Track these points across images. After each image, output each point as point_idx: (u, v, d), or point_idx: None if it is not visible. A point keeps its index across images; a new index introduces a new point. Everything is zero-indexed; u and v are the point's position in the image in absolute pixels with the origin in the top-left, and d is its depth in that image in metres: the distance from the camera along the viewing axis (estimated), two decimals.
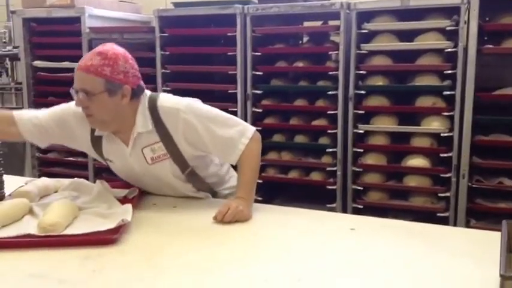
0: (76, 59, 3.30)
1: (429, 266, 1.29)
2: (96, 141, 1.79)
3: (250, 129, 1.76)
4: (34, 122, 1.80)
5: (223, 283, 1.23)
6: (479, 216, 2.54)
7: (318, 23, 3.11)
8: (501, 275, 0.92)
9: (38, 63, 3.55)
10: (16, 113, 1.81)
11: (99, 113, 1.64)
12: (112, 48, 1.66)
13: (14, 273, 1.27)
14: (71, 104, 1.74)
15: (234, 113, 2.65)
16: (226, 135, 1.72)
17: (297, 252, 1.41)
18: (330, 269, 1.30)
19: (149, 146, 1.73)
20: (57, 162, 3.62)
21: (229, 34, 2.96)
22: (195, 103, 1.77)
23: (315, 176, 2.87)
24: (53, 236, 1.45)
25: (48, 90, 3.59)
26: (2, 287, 1.21)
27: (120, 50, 1.68)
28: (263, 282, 1.23)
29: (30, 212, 1.64)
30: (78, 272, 1.28)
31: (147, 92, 1.76)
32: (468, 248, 1.40)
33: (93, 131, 1.77)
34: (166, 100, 1.74)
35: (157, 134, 1.71)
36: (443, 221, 2.51)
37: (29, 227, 1.51)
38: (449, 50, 2.55)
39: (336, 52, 2.80)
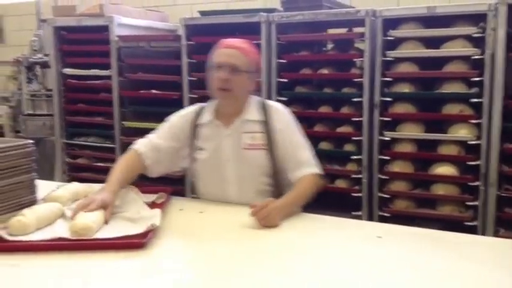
0: (104, 66, 3.44)
1: (457, 276, 1.29)
2: (195, 131, 1.96)
3: (319, 169, 1.92)
4: (159, 159, 1.98)
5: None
6: (508, 225, 2.50)
7: (343, 30, 3.11)
8: None
9: (68, 70, 3.64)
10: (147, 161, 1.97)
11: (237, 88, 1.85)
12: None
13: (47, 274, 1.31)
14: (173, 114, 2.03)
15: None
16: (305, 154, 1.91)
17: (323, 260, 1.42)
18: (356, 277, 1.31)
19: (250, 133, 1.89)
20: (86, 167, 3.69)
21: (254, 42, 2.98)
22: None
23: (340, 183, 2.86)
24: (84, 239, 1.49)
25: (78, 97, 3.68)
26: (34, 286, 1.24)
27: None
28: None
29: (63, 215, 1.69)
30: (108, 273, 1.31)
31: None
32: (497, 258, 1.38)
33: (194, 120, 1.96)
34: (276, 103, 2.02)
35: (260, 125, 1.89)
36: (471, 230, 2.47)
37: (61, 230, 1.55)
38: (476, 57, 2.52)
39: (361, 59, 2.80)
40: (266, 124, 1.88)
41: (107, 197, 1.69)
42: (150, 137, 2.02)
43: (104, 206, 1.64)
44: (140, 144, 2.00)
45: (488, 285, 1.21)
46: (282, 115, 1.92)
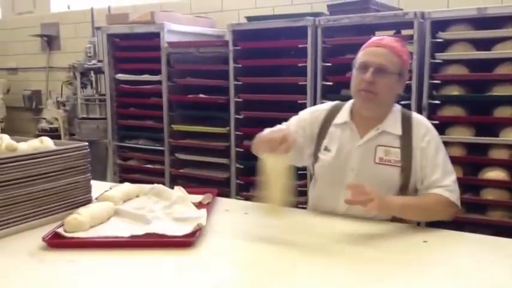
0: (155, 72, 3.56)
1: (507, 282, 1.26)
2: (324, 129, 1.82)
3: (458, 202, 1.70)
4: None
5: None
6: None
7: (390, 32, 3.08)
8: None
9: (120, 76, 3.78)
10: None
11: (384, 92, 1.68)
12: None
13: (101, 269, 1.38)
14: (310, 110, 1.91)
15: None
16: (445, 178, 1.68)
17: (370, 264, 1.42)
18: (402, 282, 1.30)
19: (385, 147, 1.71)
20: (136, 169, 3.83)
21: (300, 46, 3.01)
22: None
23: None
24: (137, 238, 1.56)
25: (129, 101, 3.82)
26: (91, 282, 1.32)
27: None
28: None
29: (115, 214, 1.77)
30: (159, 271, 1.37)
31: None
32: None
33: (328, 118, 1.82)
34: (420, 116, 1.82)
35: (399, 140, 1.71)
36: None
37: (115, 229, 1.63)
38: None
39: (409, 61, 2.75)
40: (406, 139, 1.70)
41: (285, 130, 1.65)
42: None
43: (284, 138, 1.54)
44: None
45: None
46: (425, 131, 1.71)
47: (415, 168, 1.69)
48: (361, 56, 1.73)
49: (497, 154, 2.56)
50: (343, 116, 1.81)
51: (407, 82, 2.67)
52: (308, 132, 1.86)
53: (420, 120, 1.75)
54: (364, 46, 1.76)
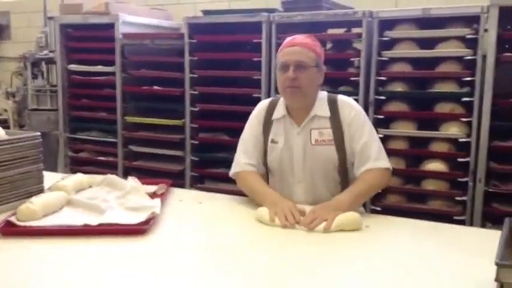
0: (109, 63, 3.54)
1: (441, 263, 1.38)
2: (267, 126, 1.96)
3: (389, 164, 1.89)
4: (258, 161, 1.97)
5: (238, 273, 1.34)
6: (495, 219, 2.58)
7: (341, 30, 3.19)
8: (496, 263, 1.01)
9: (73, 66, 3.73)
10: (253, 168, 1.96)
11: (306, 84, 1.83)
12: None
13: (55, 257, 1.41)
14: (253, 114, 2.00)
15: None
16: (373, 148, 1.86)
17: (311, 246, 1.51)
18: (343, 264, 1.40)
19: (318, 129, 1.88)
20: (88, 161, 3.79)
21: (255, 41, 3.08)
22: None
23: None
24: (90, 226, 1.58)
25: (82, 92, 3.77)
26: (46, 268, 1.34)
27: None
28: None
29: (68, 203, 1.78)
30: (112, 258, 1.41)
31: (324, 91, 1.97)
32: (482, 247, 1.45)
33: (267, 116, 1.95)
34: (345, 97, 1.95)
35: (329, 120, 1.87)
36: (460, 224, 2.55)
37: (68, 218, 1.65)
38: (468, 57, 2.61)
39: (358, 59, 2.88)
40: (334, 119, 1.87)
41: (289, 203, 1.75)
42: (241, 159, 1.97)
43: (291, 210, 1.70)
44: (242, 166, 1.97)
45: (472, 272, 1.29)
46: (349, 109, 1.88)
47: (348, 143, 1.86)
48: (280, 58, 1.87)
49: (437, 147, 2.72)
50: (279, 111, 1.94)
51: (354, 79, 2.84)
52: (259, 135, 1.98)
53: (345, 100, 1.91)
54: (280, 48, 1.89)
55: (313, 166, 1.89)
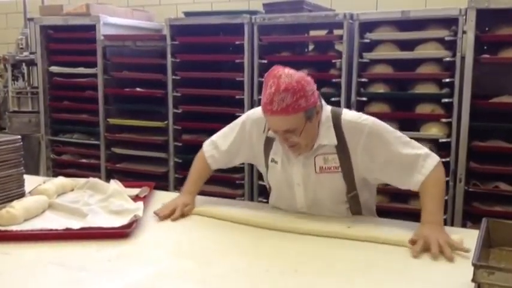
0: (90, 65, 3.51)
1: (421, 263, 1.41)
2: (269, 142, 1.80)
3: (435, 156, 1.69)
4: (222, 156, 1.94)
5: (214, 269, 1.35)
6: (476, 219, 2.62)
7: (323, 32, 3.22)
8: (473, 264, 1.03)
9: (54, 68, 3.70)
10: (210, 160, 1.95)
11: (304, 140, 1.65)
12: (290, 76, 1.57)
13: (37, 261, 1.40)
14: (248, 115, 1.87)
15: None
16: (411, 154, 1.65)
17: (297, 242, 1.52)
18: (325, 263, 1.42)
19: (323, 155, 1.71)
20: (70, 164, 3.76)
21: (237, 42, 3.09)
22: (380, 121, 1.73)
23: None
24: (72, 230, 1.57)
25: (63, 94, 3.74)
26: (27, 273, 1.33)
27: (298, 75, 1.60)
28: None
29: (50, 207, 1.77)
30: (95, 262, 1.40)
31: (328, 106, 1.77)
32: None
33: (267, 131, 1.76)
34: (351, 115, 1.73)
35: (334, 146, 1.70)
36: None
37: (50, 222, 1.64)
38: (447, 59, 2.65)
39: (339, 60, 2.91)
40: (341, 145, 1.69)
41: (186, 199, 1.87)
42: (218, 141, 1.93)
43: (185, 208, 1.82)
44: (209, 146, 1.96)
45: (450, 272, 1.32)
46: (357, 134, 1.67)
47: (356, 168, 1.70)
48: (269, 123, 1.67)
49: None
50: None
51: (336, 80, 2.86)
52: (255, 140, 1.85)
53: (351, 123, 1.70)
54: (264, 109, 1.62)
55: (316, 193, 1.76)
